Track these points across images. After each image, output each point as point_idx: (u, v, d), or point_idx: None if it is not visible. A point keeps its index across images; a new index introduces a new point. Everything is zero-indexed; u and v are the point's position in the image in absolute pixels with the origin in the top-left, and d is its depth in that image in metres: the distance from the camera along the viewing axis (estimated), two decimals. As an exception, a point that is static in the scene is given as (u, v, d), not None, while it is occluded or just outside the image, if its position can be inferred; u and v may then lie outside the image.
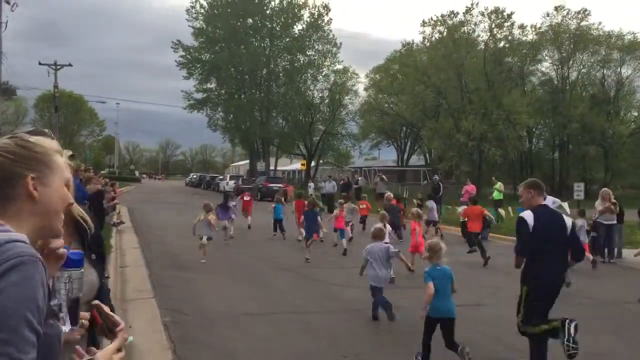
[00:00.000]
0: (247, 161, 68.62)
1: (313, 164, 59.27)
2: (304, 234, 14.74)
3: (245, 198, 20.60)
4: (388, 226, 11.47)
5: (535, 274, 5.71)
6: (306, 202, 15.62)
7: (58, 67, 43.81)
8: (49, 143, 1.72)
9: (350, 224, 17.36)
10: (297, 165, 64.41)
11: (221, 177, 60.92)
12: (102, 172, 54.03)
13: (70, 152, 2.13)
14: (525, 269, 5.81)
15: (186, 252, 14.22)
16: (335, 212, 16.49)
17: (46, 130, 1.91)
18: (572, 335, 5.58)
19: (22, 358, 1.38)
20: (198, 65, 55.50)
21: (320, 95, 57.75)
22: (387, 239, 9.57)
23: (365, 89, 61.16)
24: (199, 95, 56.38)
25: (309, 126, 56.50)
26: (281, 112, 56.27)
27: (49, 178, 1.65)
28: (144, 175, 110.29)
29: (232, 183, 48.34)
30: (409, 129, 59.82)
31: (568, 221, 5.94)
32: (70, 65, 44.47)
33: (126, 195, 39.29)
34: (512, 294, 6.65)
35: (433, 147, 47.75)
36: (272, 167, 59.13)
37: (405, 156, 64.31)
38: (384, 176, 34.51)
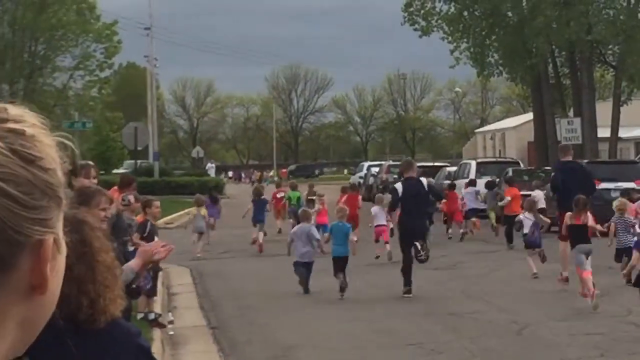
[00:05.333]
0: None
1: None
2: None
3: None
4: None
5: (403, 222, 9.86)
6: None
7: None
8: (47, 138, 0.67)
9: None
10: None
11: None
12: (119, 171, 26.90)
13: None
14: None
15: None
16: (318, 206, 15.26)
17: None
18: (419, 248, 9.18)
19: None
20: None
21: None
22: None
23: None
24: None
25: None
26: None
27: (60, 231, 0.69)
28: (228, 175, 53.67)
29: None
30: None
31: (425, 182, 9.82)
32: None
33: (182, 236, 15.44)
34: None
35: None
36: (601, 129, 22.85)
37: None
38: None
